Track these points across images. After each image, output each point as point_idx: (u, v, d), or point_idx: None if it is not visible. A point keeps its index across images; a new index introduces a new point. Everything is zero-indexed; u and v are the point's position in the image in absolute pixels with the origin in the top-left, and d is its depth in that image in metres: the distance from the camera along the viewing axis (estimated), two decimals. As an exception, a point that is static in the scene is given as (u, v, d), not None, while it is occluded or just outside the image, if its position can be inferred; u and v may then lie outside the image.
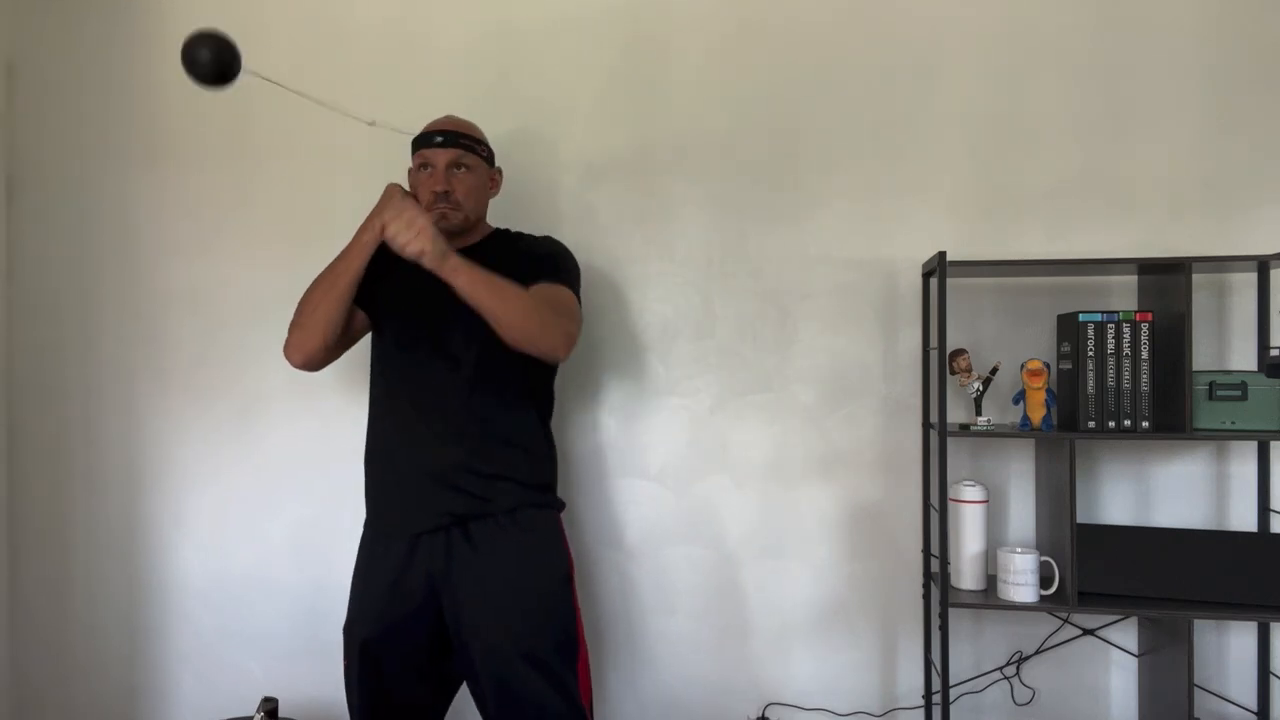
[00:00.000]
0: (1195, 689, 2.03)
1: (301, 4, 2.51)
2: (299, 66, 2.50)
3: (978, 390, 2.16)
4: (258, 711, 2.10)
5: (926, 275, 2.23)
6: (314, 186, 2.48)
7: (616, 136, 2.40)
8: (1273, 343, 2.12)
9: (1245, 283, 2.19)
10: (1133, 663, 2.25)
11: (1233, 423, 2.03)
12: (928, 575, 2.24)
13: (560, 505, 2.03)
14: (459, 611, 1.89)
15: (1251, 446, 2.18)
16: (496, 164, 2.08)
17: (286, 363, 2.00)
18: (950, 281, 2.08)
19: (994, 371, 2.17)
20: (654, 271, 2.39)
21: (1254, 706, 2.16)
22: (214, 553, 2.53)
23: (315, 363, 1.97)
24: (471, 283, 1.73)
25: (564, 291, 1.92)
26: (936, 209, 2.30)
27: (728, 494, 2.37)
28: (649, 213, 2.39)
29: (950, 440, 2.08)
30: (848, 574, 2.34)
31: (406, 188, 2.00)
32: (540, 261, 1.95)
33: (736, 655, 2.37)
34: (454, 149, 1.94)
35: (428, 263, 1.70)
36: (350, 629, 1.97)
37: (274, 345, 2.46)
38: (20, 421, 2.60)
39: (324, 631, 2.46)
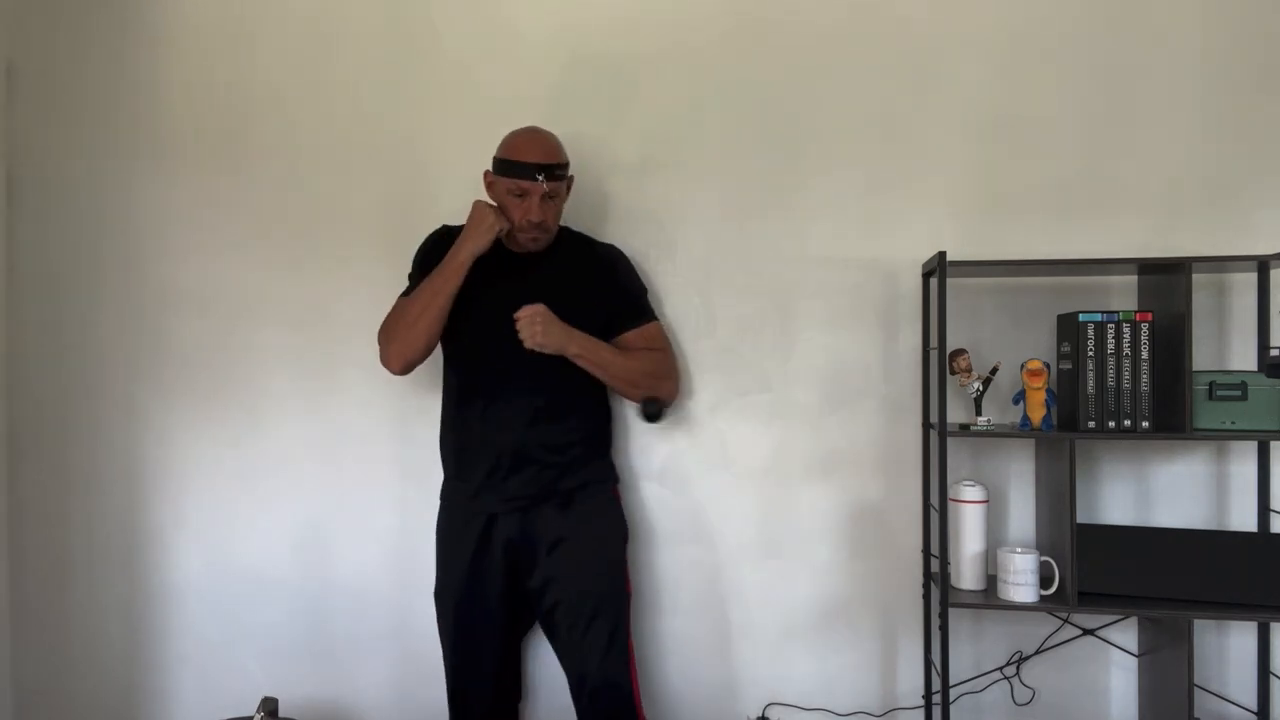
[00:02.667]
0: (1195, 689, 2.02)
1: (296, 5, 2.51)
2: (293, 68, 2.51)
3: (978, 390, 2.16)
4: (258, 711, 2.10)
5: (926, 275, 2.23)
6: (316, 187, 2.48)
7: (616, 137, 2.40)
8: (1273, 343, 2.12)
9: (1245, 283, 2.18)
10: (1133, 663, 2.25)
11: (1233, 423, 2.02)
12: (928, 575, 2.24)
13: (617, 479, 2.29)
14: (539, 566, 2.13)
15: (1251, 446, 2.18)
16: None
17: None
18: (950, 281, 2.07)
19: (994, 371, 2.17)
20: (654, 272, 2.38)
21: (1254, 706, 2.16)
22: (215, 553, 2.53)
23: (413, 367, 2.16)
24: (589, 365, 2.08)
25: (650, 331, 2.22)
26: (936, 209, 2.30)
27: (728, 494, 2.37)
28: (649, 213, 2.39)
29: (950, 440, 2.08)
30: (848, 574, 2.34)
31: (483, 194, 2.13)
32: (620, 300, 2.21)
33: (736, 655, 2.37)
34: (551, 182, 2.06)
35: (549, 352, 2.04)
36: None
37: (275, 345, 2.49)
38: (20, 421, 2.60)
39: (324, 631, 2.47)
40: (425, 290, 2.08)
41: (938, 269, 2.04)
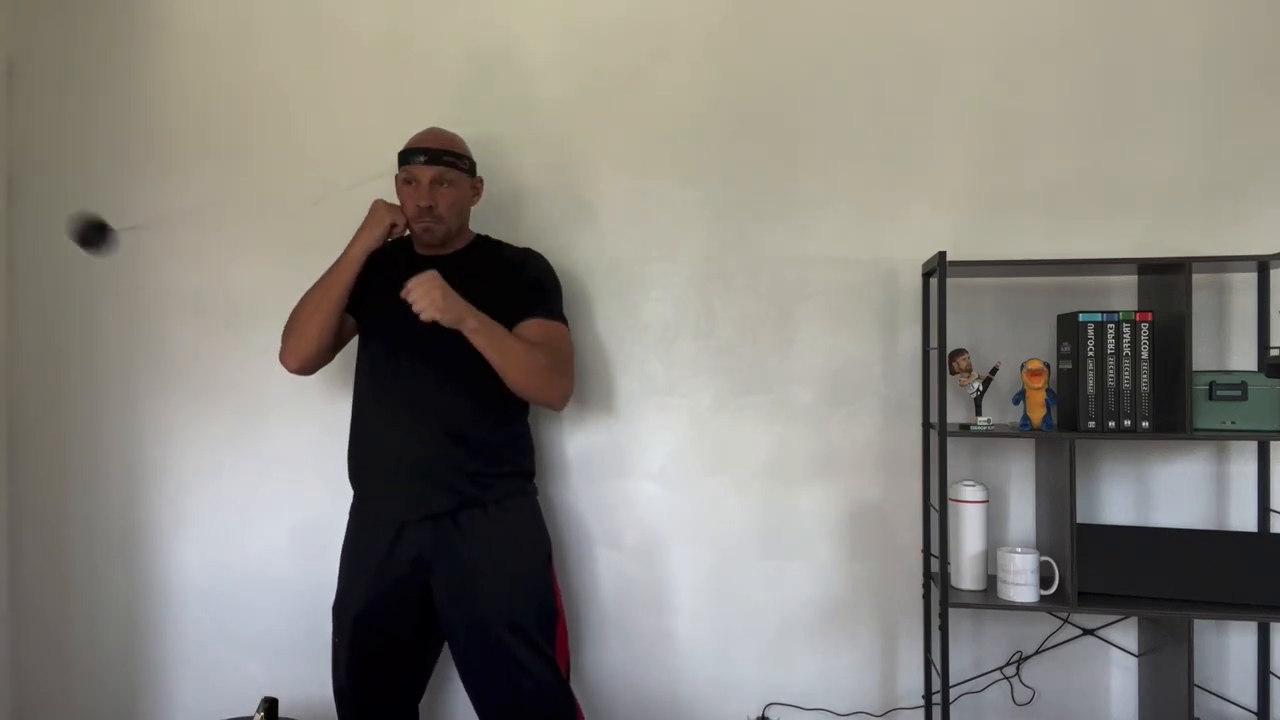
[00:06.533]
0: (1195, 689, 2.03)
1: (296, 7, 2.51)
2: (293, 70, 2.51)
3: (978, 390, 2.16)
4: (258, 711, 2.10)
5: (926, 275, 2.23)
6: (314, 188, 2.48)
7: (616, 137, 2.40)
8: (1273, 343, 2.12)
9: (1245, 283, 2.18)
10: (1133, 663, 2.25)
11: (1233, 423, 2.02)
12: (928, 575, 2.24)
13: (536, 490, 2.18)
14: (447, 589, 2.03)
15: (1251, 446, 2.18)
16: (479, 172, 2.16)
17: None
18: (950, 281, 2.08)
19: (994, 371, 2.17)
20: (654, 271, 2.39)
21: (1254, 706, 2.16)
22: (214, 552, 2.53)
23: (310, 367, 2.14)
24: (485, 343, 1.91)
25: (557, 329, 2.07)
26: (936, 209, 2.30)
27: (728, 494, 2.37)
28: (649, 213, 2.39)
29: (950, 440, 2.08)
30: (848, 574, 2.34)
31: (393, 199, 2.10)
32: (530, 290, 2.08)
33: (736, 655, 2.37)
34: (437, 166, 2.04)
35: (446, 324, 1.86)
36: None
37: (274, 346, 2.47)
38: (20, 421, 2.60)
39: (324, 631, 2.45)
40: (317, 288, 2.08)
41: (938, 269, 2.04)
